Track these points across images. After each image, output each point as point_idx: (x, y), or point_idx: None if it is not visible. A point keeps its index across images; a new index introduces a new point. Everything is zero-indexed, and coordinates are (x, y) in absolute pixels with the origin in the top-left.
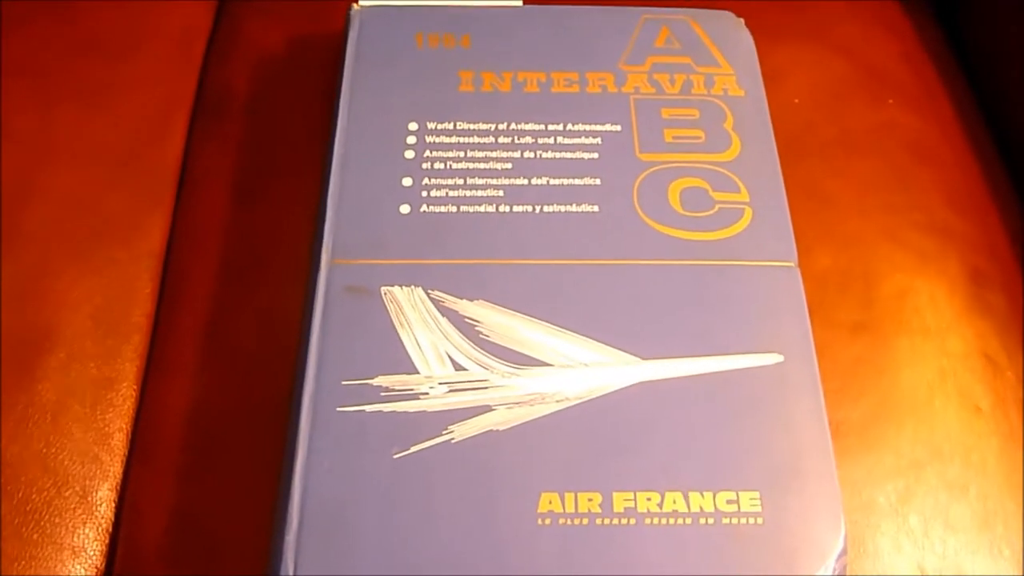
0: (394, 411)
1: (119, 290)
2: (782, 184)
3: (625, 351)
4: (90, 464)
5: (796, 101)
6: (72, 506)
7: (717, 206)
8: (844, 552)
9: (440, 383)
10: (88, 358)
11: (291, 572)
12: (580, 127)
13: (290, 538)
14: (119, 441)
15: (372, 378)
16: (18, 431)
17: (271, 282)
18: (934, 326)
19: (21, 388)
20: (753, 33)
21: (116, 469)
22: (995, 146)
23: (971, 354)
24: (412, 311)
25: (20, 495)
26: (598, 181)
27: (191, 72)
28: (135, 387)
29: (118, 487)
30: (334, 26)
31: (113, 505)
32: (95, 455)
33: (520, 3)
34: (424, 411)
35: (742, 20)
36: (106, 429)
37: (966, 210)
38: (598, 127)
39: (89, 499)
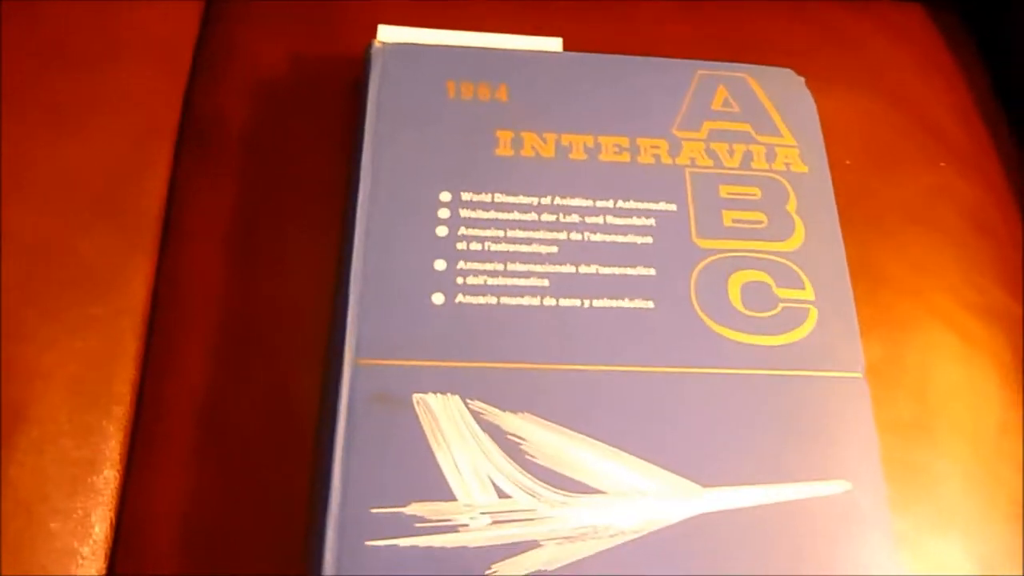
0: (430, 546)
1: (98, 354)
2: (848, 279)
3: (685, 477)
4: (69, 561)
5: (848, 162)
6: None
7: (780, 305)
8: None
9: (482, 513)
10: (65, 437)
11: None
12: (632, 204)
13: None
14: (101, 534)
15: (405, 505)
16: None
17: (275, 351)
18: (986, 426)
19: None
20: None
21: (99, 566)
22: None
23: None
24: (449, 425)
25: None
26: (653, 271)
27: (175, 91)
28: (118, 470)
29: None
30: (343, 44)
31: None
32: (75, 550)
33: (559, 46)
34: (465, 547)
35: (803, 79)
36: (87, 521)
37: (1017, 290)
38: (652, 205)
39: None
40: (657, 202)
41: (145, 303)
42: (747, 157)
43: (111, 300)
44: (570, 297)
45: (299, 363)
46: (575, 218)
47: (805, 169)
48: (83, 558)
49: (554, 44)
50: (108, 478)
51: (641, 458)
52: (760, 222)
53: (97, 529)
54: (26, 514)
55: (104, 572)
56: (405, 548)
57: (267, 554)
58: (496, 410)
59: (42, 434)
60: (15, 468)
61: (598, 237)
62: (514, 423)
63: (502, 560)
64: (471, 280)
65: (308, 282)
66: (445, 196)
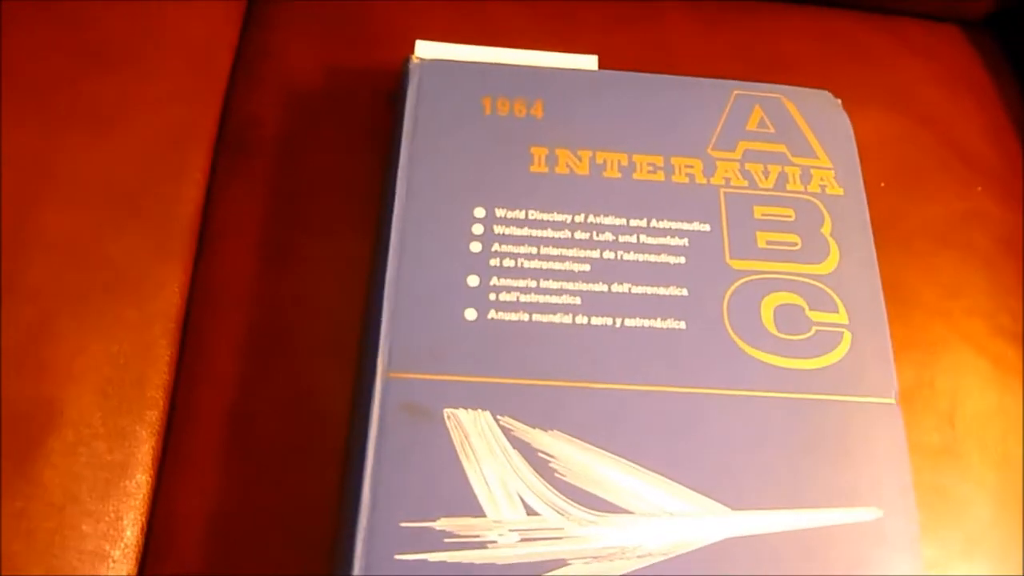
0: (459, 562)
1: (131, 357)
2: (882, 303)
3: (714, 499)
4: (100, 564)
5: (882, 184)
6: None
7: (814, 328)
8: None
9: (511, 530)
10: (98, 440)
11: None
12: (665, 224)
13: None
14: (132, 537)
15: (435, 520)
16: (19, 526)
17: (306, 358)
18: (1016, 451)
19: (23, 475)
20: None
21: (130, 568)
22: None
23: None
24: (479, 441)
25: None
26: (685, 291)
27: (214, 95)
28: (150, 474)
29: None
30: (378, 55)
31: None
32: (106, 553)
33: (595, 64)
34: (493, 563)
35: (839, 101)
36: (118, 523)
37: None
38: (685, 225)
39: None
40: (691, 222)
41: (179, 308)
42: (782, 178)
43: (144, 304)
44: (602, 315)
45: (329, 370)
46: (608, 236)
47: (840, 191)
48: (114, 561)
49: (589, 62)
50: (140, 482)
51: (670, 479)
52: (794, 244)
53: (128, 532)
54: (58, 515)
55: (135, 575)
56: (434, 563)
57: (295, 559)
58: (526, 427)
59: (75, 437)
60: (48, 470)
61: (631, 256)
62: (544, 440)
63: None
64: (504, 296)
65: (339, 288)
66: (479, 212)
